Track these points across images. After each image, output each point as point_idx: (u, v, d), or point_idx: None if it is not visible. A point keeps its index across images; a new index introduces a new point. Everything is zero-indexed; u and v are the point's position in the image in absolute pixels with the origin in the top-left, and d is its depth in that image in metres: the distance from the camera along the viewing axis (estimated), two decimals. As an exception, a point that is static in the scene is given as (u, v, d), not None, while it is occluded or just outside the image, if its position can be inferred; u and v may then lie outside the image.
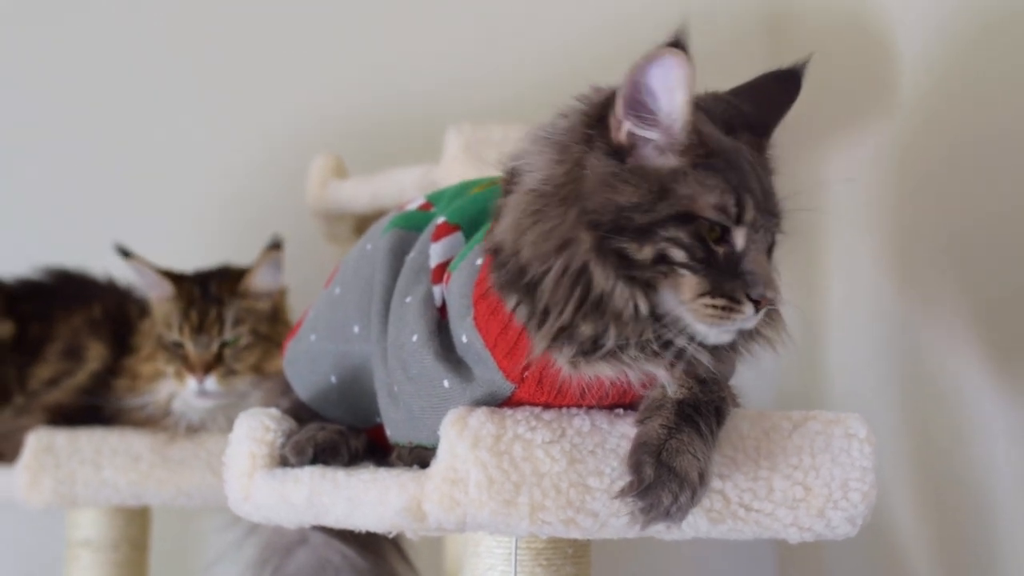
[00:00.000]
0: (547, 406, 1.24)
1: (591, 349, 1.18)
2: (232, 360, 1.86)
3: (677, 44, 1.15)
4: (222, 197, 2.30)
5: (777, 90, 1.27)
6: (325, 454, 1.36)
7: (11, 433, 1.87)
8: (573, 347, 1.18)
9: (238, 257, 1.98)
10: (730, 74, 1.30)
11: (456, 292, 1.28)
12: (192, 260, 1.95)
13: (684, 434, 1.17)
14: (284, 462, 1.36)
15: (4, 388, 1.93)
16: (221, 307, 1.87)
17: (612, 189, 1.16)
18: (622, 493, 1.17)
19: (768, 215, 1.21)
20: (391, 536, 1.41)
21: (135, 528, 1.92)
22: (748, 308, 1.17)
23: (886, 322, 1.91)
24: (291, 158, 2.24)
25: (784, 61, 1.31)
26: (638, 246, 1.15)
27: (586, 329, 1.16)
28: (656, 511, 1.15)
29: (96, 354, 1.91)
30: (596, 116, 1.20)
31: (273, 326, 1.90)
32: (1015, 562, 1.60)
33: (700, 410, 1.18)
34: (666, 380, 1.19)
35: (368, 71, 2.33)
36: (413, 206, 1.44)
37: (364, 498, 1.24)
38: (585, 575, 1.36)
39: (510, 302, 1.20)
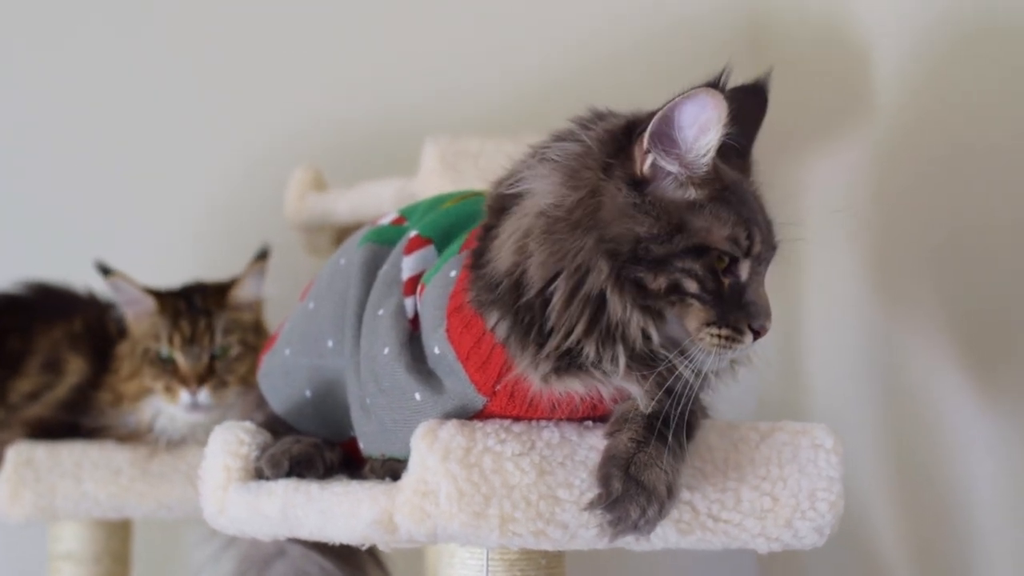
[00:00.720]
0: (517, 419, 1.24)
1: (565, 365, 1.19)
2: (224, 371, 1.85)
3: (716, 85, 1.16)
4: (201, 209, 2.29)
5: (746, 108, 1.27)
6: (301, 467, 1.37)
7: (-9, 447, 1.87)
8: (549, 364, 1.19)
9: (218, 268, 1.98)
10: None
11: (430, 303, 1.28)
12: (170, 271, 1.95)
13: (653, 447, 1.18)
14: (259, 475, 1.36)
15: (-17, 402, 1.94)
16: (210, 318, 1.86)
17: (632, 220, 1.17)
18: (591, 506, 1.18)
19: (770, 248, 1.23)
20: (367, 547, 1.41)
21: (116, 541, 1.92)
22: (748, 338, 1.19)
23: (865, 333, 1.91)
24: (270, 170, 2.24)
25: (764, 71, 1.31)
26: (653, 276, 1.17)
27: (591, 351, 1.17)
28: (624, 524, 1.16)
29: (76, 368, 1.90)
30: (616, 145, 1.20)
31: (258, 337, 1.89)
32: (991, 573, 1.61)
33: (669, 423, 1.19)
34: (639, 395, 1.19)
35: (348, 83, 2.34)
36: (386, 220, 1.44)
37: (336, 511, 1.25)
38: (560, 585, 1.37)
39: (490, 319, 1.21)
